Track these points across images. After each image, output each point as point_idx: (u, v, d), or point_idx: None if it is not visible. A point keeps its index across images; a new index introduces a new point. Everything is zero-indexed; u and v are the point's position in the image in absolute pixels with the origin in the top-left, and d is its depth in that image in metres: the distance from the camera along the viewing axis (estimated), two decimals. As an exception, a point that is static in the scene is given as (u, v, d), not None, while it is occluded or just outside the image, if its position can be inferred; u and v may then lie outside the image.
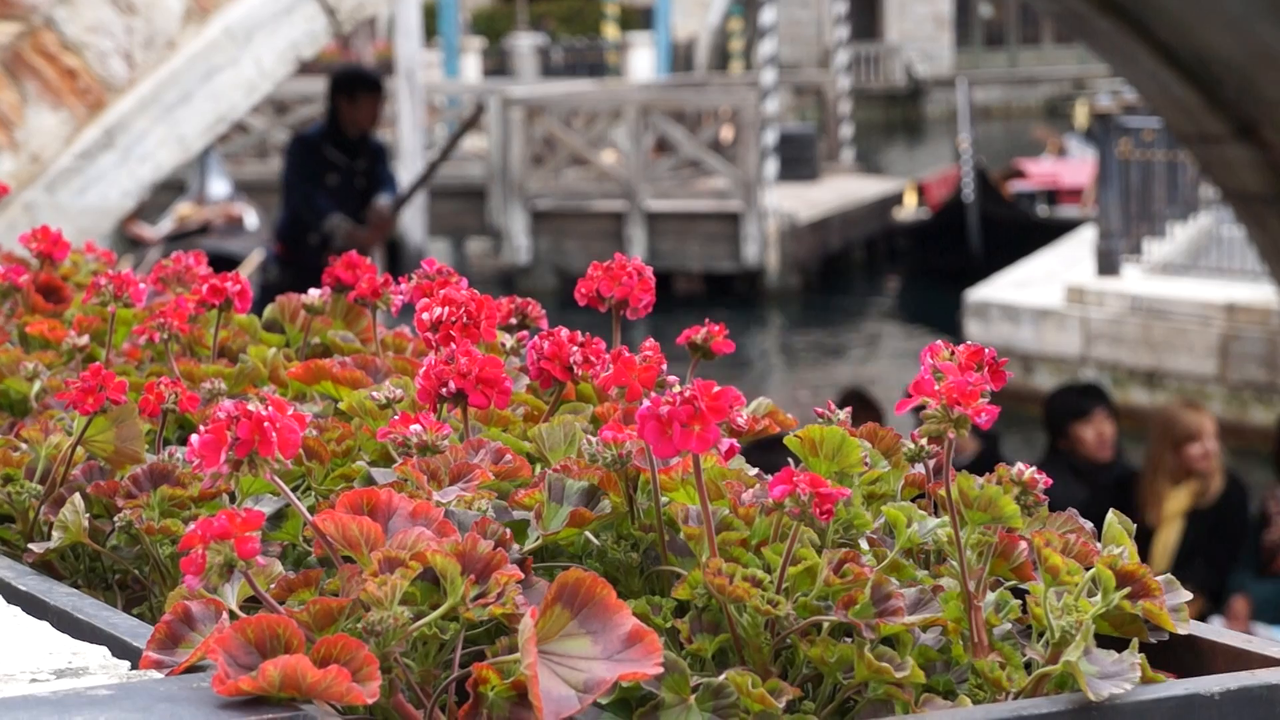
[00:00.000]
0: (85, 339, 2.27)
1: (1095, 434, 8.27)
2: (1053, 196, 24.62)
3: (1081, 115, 30.18)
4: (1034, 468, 1.56)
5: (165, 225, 21.01)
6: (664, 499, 1.62)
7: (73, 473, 1.87)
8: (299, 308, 2.31)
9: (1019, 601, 1.57)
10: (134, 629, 1.57)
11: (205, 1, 5.97)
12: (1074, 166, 25.47)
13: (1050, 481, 1.57)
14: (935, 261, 23.12)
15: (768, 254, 22.75)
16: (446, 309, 1.88)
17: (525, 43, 36.86)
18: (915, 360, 1.67)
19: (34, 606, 1.68)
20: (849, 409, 1.76)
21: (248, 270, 14.83)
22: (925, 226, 24.13)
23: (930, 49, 47.84)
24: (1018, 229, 22.20)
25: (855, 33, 38.78)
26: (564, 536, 1.62)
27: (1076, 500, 8.00)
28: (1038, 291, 16.30)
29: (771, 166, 23.20)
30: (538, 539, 1.60)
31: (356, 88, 10.76)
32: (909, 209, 25.45)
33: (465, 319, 1.88)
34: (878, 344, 21.12)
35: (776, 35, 25.87)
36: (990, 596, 1.56)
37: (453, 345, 1.82)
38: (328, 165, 10.60)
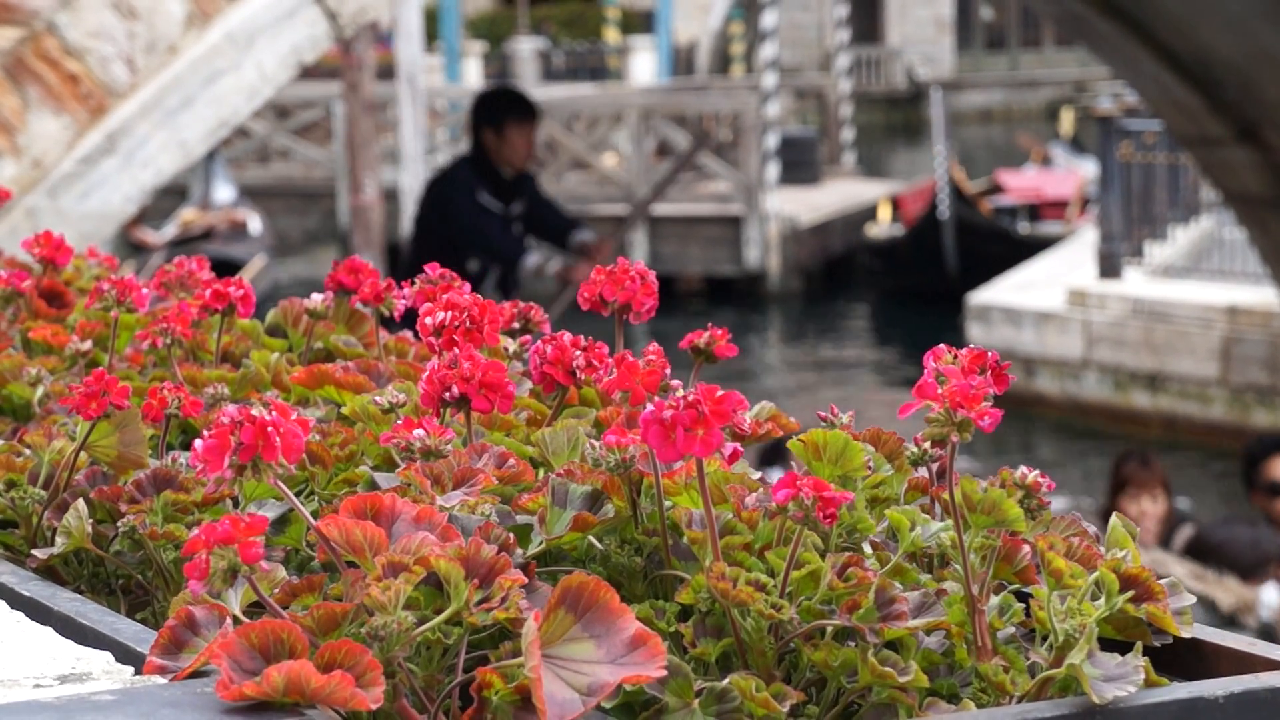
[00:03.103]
0: (88, 344, 2.27)
1: None
2: (1034, 211, 23.26)
3: (1067, 122, 28.33)
4: (1036, 471, 1.56)
5: (169, 230, 21.06)
6: (667, 503, 1.62)
7: (76, 478, 1.87)
8: (302, 312, 2.32)
9: (1022, 605, 1.57)
10: (137, 634, 1.57)
11: (207, 6, 5.97)
12: (1058, 178, 24.17)
13: (1053, 485, 1.57)
14: (909, 282, 21.91)
15: (769, 257, 22.76)
16: (449, 313, 1.88)
17: (526, 47, 36.86)
18: (918, 363, 1.67)
19: (37, 612, 1.68)
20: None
21: (250, 275, 14.82)
22: (898, 245, 22.69)
23: (931, 52, 47.82)
24: (997, 247, 20.98)
25: (856, 36, 38.79)
26: (567, 541, 1.62)
27: None
28: (1039, 294, 16.31)
29: (773, 170, 23.20)
30: (541, 543, 1.60)
31: (504, 117, 8.76)
32: (882, 225, 23.89)
33: (468, 323, 1.88)
34: (879, 348, 21.12)
35: (777, 39, 25.87)
36: (994, 600, 1.56)
37: (456, 350, 1.82)
38: (484, 213, 8.72)
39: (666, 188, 11.22)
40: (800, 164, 25.75)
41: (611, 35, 40.19)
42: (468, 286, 2.00)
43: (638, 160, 22.69)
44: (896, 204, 24.32)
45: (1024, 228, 22.74)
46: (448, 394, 1.76)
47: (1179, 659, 1.57)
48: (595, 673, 1.37)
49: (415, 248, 9.03)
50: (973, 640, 1.52)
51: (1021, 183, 24.33)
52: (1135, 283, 15.73)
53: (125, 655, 1.54)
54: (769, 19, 25.22)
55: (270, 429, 1.48)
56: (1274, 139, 9.54)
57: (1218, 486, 13.74)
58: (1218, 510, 11.94)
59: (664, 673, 1.38)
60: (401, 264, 9.51)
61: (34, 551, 1.81)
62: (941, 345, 1.64)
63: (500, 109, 8.91)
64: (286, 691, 1.35)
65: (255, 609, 1.49)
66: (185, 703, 1.38)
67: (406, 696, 1.43)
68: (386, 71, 23.63)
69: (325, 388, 2.03)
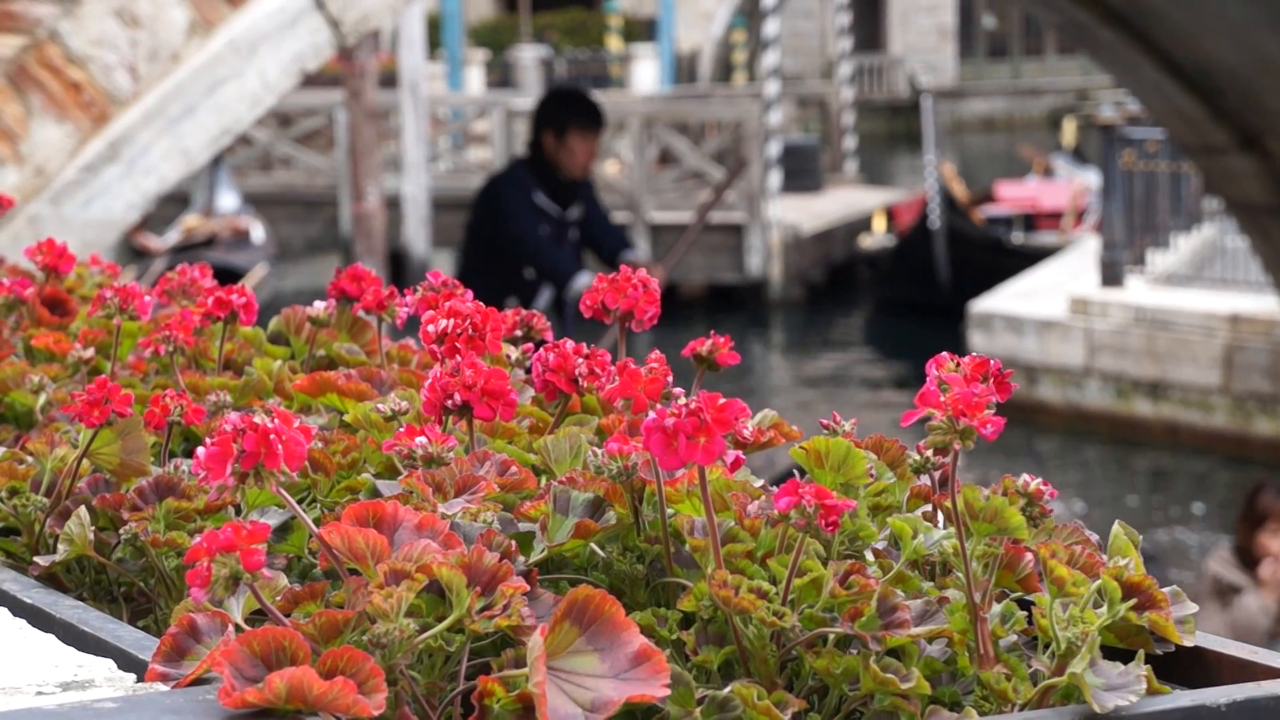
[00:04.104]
0: (90, 352, 2.27)
1: None
2: (1030, 221, 22.90)
3: (1069, 133, 27.80)
4: (1039, 479, 1.56)
5: (172, 236, 21.10)
6: (669, 511, 1.62)
7: (78, 485, 1.87)
8: (304, 320, 2.32)
9: (1025, 613, 1.57)
10: (140, 641, 1.57)
11: (209, 14, 5.97)
12: (1056, 189, 23.81)
13: (1055, 493, 1.57)
14: (901, 293, 21.72)
15: (771, 265, 22.76)
16: (452, 321, 1.88)
17: (528, 55, 36.87)
18: (919, 372, 1.67)
19: (40, 619, 1.68)
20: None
21: (252, 283, 14.84)
22: (889, 256, 22.51)
23: (933, 60, 47.82)
24: (989, 257, 20.74)
25: (858, 44, 38.80)
26: (569, 548, 1.62)
27: None
28: (1041, 302, 16.31)
29: (775, 178, 23.21)
30: (543, 551, 1.60)
31: (567, 122, 8.43)
32: (876, 236, 23.72)
33: (470, 331, 1.88)
34: (881, 356, 21.11)
35: (780, 47, 25.88)
36: (996, 608, 1.56)
37: (458, 357, 1.82)
38: (539, 215, 8.38)
39: (708, 214, 10.99)
40: (802, 172, 25.75)
41: (614, 43, 40.20)
42: (470, 294, 2.00)
43: (640, 168, 22.69)
44: (891, 214, 24.17)
45: (1018, 238, 22.43)
46: (450, 401, 1.76)
47: (1181, 667, 1.57)
48: (599, 688, 1.37)
49: (468, 253, 8.73)
50: (975, 648, 1.52)
51: (1018, 193, 24.02)
52: (1137, 291, 15.74)
53: (127, 663, 1.54)
54: (771, 27, 25.23)
55: (272, 436, 1.48)
56: (1276, 147, 9.55)
57: (1220, 494, 13.72)
58: (1220, 519, 11.91)
59: (667, 691, 1.38)
60: (456, 269, 9.12)
61: (36, 559, 1.81)
62: (944, 353, 1.64)
63: (564, 113, 8.56)
64: (288, 698, 1.35)
65: (257, 616, 1.49)
66: (187, 710, 1.38)
67: (408, 704, 1.43)
68: (389, 79, 23.64)
69: (328, 395, 2.03)
